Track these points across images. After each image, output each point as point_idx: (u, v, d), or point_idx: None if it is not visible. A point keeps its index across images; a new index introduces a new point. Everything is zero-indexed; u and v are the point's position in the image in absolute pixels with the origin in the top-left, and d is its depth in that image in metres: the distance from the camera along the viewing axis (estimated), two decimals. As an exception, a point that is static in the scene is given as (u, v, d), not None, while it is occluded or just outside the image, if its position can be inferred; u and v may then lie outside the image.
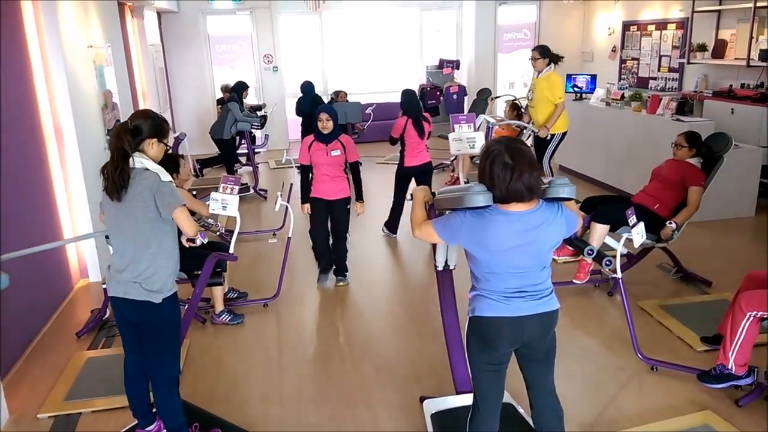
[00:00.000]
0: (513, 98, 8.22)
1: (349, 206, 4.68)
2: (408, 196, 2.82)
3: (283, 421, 3.15)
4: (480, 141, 4.91)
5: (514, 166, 2.09)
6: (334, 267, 4.85)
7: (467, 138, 4.97)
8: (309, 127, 7.92)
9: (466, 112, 9.50)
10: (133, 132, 2.54)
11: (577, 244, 4.21)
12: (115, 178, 2.48)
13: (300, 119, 8.36)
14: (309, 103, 7.93)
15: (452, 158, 8.21)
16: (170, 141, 2.69)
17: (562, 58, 5.94)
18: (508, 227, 2.14)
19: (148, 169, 2.53)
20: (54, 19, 4.60)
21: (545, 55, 5.84)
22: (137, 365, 2.79)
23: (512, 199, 2.13)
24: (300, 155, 4.61)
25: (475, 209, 2.17)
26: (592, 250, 4.02)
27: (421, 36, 11.45)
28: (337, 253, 4.81)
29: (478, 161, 2.34)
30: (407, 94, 5.82)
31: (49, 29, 4.59)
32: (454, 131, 5.04)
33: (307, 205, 4.65)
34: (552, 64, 5.86)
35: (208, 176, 8.28)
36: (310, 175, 4.62)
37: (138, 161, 2.53)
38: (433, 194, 2.62)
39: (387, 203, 6.21)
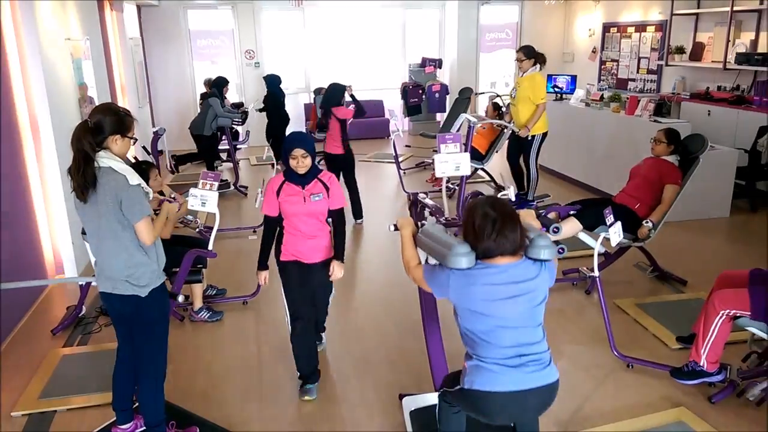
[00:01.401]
0: (495, 95, 8.23)
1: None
2: (390, 228, 2.78)
3: (262, 419, 3.13)
4: (466, 162, 4.72)
5: (496, 218, 2.11)
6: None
7: (453, 160, 4.83)
8: (272, 127, 7.95)
9: (447, 110, 9.53)
10: (94, 131, 2.45)
11: (543, 221, 4.23)
12: (79, 181, 2.42)
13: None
14: (280, 97, 7.92)
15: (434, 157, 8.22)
16: (136, 134, 2.61)
17: (545, 61, 5.99)
18: (494, 278, 2.12)
19: (114, 170, 2.45)
20: (30, 11, 4.53)
21: (530, 55, 5.87)
22: (130, 355, 2.77)
23: (497, 252, 2.12)
24: (264, 202, 3.19)
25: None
26: (557, 228, 4.07)
27: (404, 34, 11.46)
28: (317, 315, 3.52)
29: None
30: (328, 89, 5.98)
31: (25, 21, 4.51)
32: (439, 152, 4.90)
33: (265, 274, 3.26)
34: (537, 65, 5.90)
35: (186, 172, 8.20)
36: (277, 230, 3.25)
37: (102, 161, 2.45)
38: (417, 225, 2.61)
39: (373, 201, 6.23)
